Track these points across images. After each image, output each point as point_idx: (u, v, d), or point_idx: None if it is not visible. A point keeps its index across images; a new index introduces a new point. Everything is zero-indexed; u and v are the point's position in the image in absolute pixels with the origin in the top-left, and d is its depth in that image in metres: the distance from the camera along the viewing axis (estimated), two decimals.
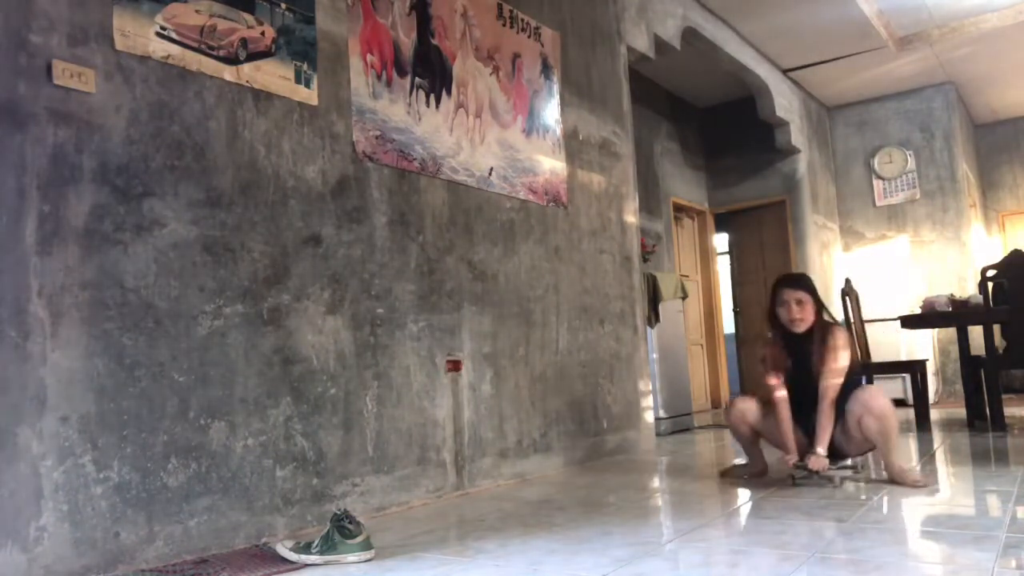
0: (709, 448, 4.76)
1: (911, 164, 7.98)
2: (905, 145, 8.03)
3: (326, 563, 2.18)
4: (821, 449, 2.97)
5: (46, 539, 2.01)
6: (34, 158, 2.08)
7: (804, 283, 3.14)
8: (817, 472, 2.96)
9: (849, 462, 3.20)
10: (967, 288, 7.24)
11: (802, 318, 3.06)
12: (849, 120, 8.35)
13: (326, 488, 2.73)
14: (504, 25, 3.92)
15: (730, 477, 3.43)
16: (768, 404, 3.20)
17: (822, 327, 3.09)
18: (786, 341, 3.15)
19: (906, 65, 7.29)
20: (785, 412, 3.12)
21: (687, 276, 7.39)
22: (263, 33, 2.71)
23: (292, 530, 2.59)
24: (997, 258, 5.44)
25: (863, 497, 2.82)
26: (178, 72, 2.44)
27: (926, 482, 3.00)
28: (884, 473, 3.11)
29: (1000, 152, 9.04)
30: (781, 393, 3.13)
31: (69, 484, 2.07)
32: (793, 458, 3.05)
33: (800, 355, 3.10)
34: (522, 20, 4.05)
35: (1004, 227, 9.03)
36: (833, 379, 3.02)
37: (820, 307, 3.11)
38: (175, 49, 2.43)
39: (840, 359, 3.02)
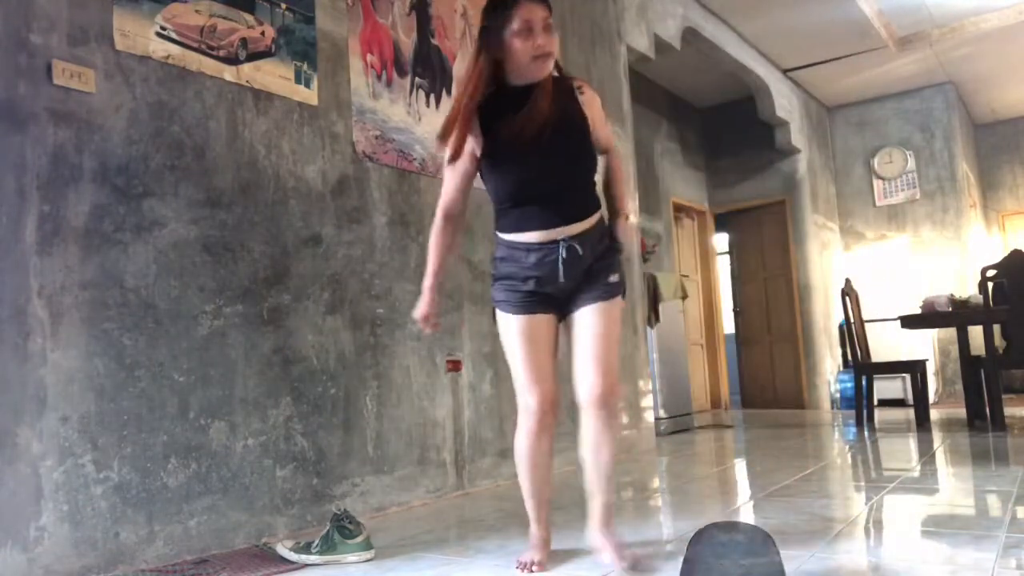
0: (709, 448, 4.76)
1: (911, 164, 7.98)
2: (905, 145, 8.02)
3: (326, 563, 2.19)
4: (633, 217, 2.24)
5: (46, 539, 2.01)
6: (34, 158, 2.08)
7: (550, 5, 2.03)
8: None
9: None
10: (967, 288, 7.24)
11: (551, 52, 1.98)
12: (849, 120, 8.35)
13: (326, 488, 2.73)
14: None
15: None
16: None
17: (562, 78, 2.09)
18: (501, 94, 2.04)
19: (906, 65, 7.29)
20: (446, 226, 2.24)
21: (687, 276, 7.39)
22: (263, 33, 2.71)
23: (292, 530, 2.59)
24: (997, 258, 5.44)
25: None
26: (178, 72, 2.44)
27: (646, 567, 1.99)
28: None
29: (1000, 152, 9.03)
30: (454, 173, 2.14)
31: (69, 484, 2.07)
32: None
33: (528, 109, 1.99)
34: None
35: (1004, 227, 9.03)
36: (614, 147, 2.22)
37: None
38: (175, 49, 2.43)
39: (608, 129, 2.16)
